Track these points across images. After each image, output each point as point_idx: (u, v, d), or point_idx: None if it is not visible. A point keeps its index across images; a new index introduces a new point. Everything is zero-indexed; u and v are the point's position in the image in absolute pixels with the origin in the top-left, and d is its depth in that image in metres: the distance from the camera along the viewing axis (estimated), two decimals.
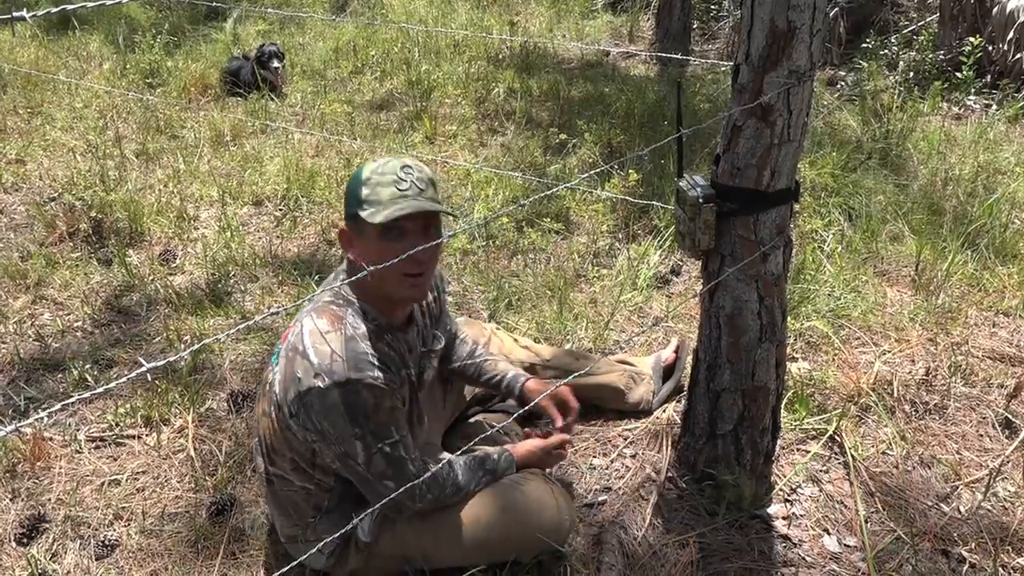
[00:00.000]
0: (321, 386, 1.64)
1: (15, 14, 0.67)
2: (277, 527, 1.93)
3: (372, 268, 1.27)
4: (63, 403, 0.69)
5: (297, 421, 1.70)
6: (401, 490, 1.63)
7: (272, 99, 5.31)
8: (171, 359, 0.82)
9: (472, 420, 2.38)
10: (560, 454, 2.04)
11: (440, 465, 1.79)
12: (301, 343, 1.68)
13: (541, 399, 2.10)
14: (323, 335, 1.66)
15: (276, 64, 5.41)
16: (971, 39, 4.89)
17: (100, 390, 0.71)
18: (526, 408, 2.02)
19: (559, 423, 2.07)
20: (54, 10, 0.82)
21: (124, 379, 0.82)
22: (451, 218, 2.41)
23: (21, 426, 0.80)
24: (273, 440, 1.80)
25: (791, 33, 1.71)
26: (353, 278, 1.44)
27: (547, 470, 2.04)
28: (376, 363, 1.67)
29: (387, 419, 1.70)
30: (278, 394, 1.73)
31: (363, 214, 1.64)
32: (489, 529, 1.84)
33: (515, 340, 2.50)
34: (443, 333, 2.06)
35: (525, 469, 1.97)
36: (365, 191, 1.65)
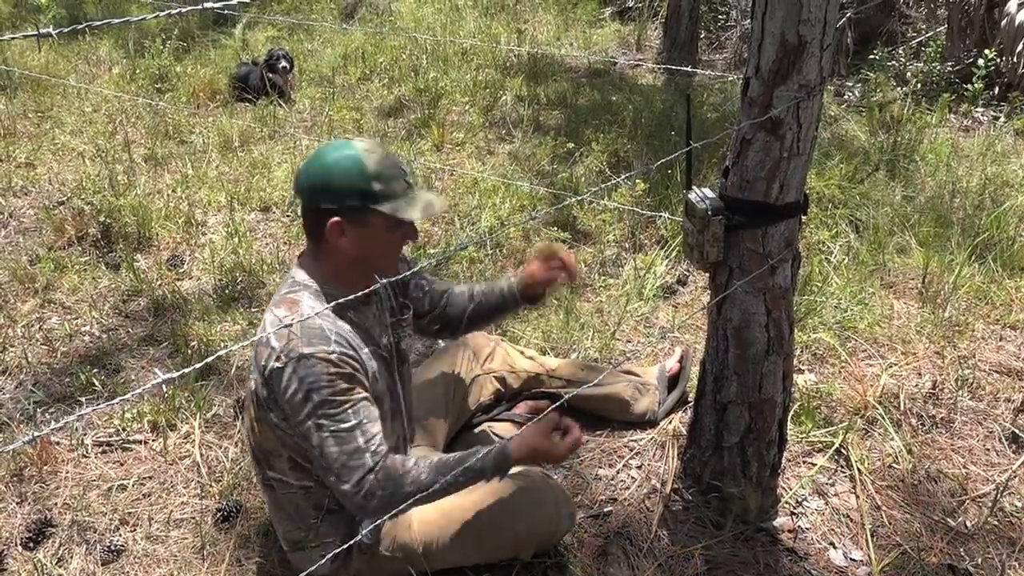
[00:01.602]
0: (279, 366, 1.63)
1: (42, 31, 0.68)
2: (280, 534, 1.93)
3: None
4: (79, 414, 0.69)
5: (273, 413, 1.70)
6: (352, 483, 1.62)
7: (280, 105, 5.33)
8: (186, 371, 0.83)
9: (477, 430, 2.38)
10: (571, 438, 1.76)
11: (399, 460, 1.67)
12: (264, 334, 1.70)
13: (532, 271, 2.13)
14: (281, 320, 1.68)
15: (284, 64, 5.42)
16: (985, 51, 4.89)
17: (115, 401, 0.72)
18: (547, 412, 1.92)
19: (545, 274, 2.10)
20: (80, 26, 0.83)
21: (139, 391, 0.82)
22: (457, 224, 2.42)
23: (38, 436, 0.80)
24: (265, 444, 1.80)
25: (801, 47, 1.72)
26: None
27: (551, 462, 1.88)
28: (334, 338, 1.66)
29: (343, 399, 1.64)
30: (256, 391, 1.74)
31: (383, 208, 1.67)
32: (487, 525, 1.85)
33: (520, 352, 2.50)
34: (410, 304, 2.05)
35: (530, 462, 1.81)
36: (378, 186, 1.67)
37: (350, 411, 1.64)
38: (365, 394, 1.69)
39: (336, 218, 1.68)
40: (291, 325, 1.64)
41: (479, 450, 1.71)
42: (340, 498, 1.70)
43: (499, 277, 2.18)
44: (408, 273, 1.91)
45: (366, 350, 1.76)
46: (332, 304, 1.52)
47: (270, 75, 5.39)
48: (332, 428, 1.63)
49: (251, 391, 1.78)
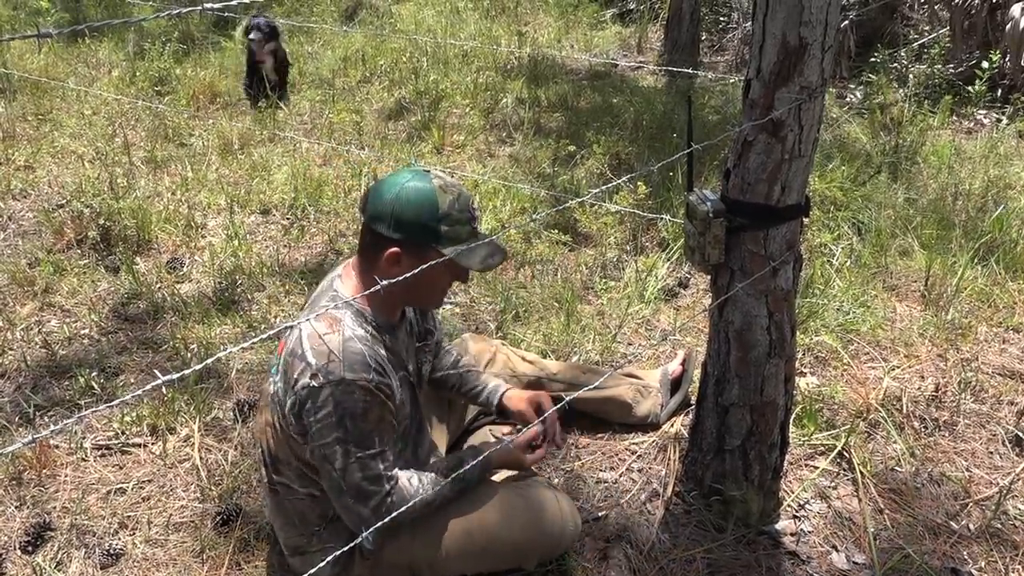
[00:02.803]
0: (315, 385, 1.63)
1: (42, 31, 0.68)
2: (280, 539, 1.92)
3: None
4: (78, 416, 0.68)
5: (294, 425, 1.70)
6: (371, 507, 1.68)
7: (278, 105, 5.31)
8: (186, 372, 0.82)
9: (477, 433, 2.37)
10: (539, 451, 1.98)
11: (405, 482, 1.75)
12: (300, 347, 1.68)
13: (518, 407, 2.11)
14: (321, 337, 1.66)
15: (259, 22, 5.20)
16: (989, 54, 4.88)
17: (116, 403, 0.71)
18: (532, 425, 2.01)
19: (534, 430, 2.06)
20: (79, 27, 0.82)
21: (139, 392, 0.81)
22: None
23: (37, 438, 0.79)
24: (277, 450, 1.80)
25: (802, 49, 1.71)
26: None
27: (533, 468, 2.03)
28: (373, 366, 1.67)
29: (374, 427, 1.68)
30: (281, 400, 1.73)
31: (445, 251, 1.68)
32: (492, 535, 1.85)
33: (521, 356, 2.49)
34: (433, 328, 2.07)
35: (503, 469, 1.98)
36: (445, 227, 1.67)
37: (376, 439, 1.69)
38: (391, 420, 1.73)
39: (396, 248, 1.68)
40: (331, 341, 1.65)
41: (465, 461, 1.86)
42: (348, 517, 1.74)
43: (486, 375, 2.21)
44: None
45: (397, 377, 1.76)
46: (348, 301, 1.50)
47: (250, 38, 5.25)
48: (359, 454, 1.67)
49: (273, 396, 1.78)
